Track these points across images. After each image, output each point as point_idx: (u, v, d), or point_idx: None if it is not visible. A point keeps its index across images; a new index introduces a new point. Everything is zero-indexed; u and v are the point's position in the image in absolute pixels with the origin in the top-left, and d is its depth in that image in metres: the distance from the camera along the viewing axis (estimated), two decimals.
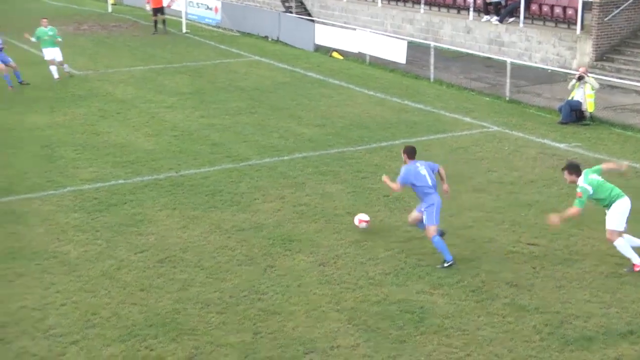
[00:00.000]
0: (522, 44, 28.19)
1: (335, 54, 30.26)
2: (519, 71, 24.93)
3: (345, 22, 34.49)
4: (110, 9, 42.90)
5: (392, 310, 10.84)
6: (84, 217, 14.14)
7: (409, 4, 33.93)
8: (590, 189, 11.65)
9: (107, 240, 13.16)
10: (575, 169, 11.90)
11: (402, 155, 12.46)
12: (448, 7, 32.13)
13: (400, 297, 11.23)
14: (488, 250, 12.80)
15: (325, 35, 31.20)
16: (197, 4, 39.08)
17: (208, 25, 37.84)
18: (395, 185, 12.39)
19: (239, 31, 35.79)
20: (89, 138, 18.89)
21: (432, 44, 27.05)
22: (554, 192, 15.35)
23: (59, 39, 25.29)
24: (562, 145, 18.53)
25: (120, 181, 16.02)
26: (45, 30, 24.88)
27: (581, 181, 11.75)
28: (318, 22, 32.83)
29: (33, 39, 25.15)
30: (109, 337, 10.17)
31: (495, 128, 20.13)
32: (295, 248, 12.89)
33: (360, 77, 26.42)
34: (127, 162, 17.20)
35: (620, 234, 11.83)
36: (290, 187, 15.73)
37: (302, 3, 38.34)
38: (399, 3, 34.45)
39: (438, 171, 12.50)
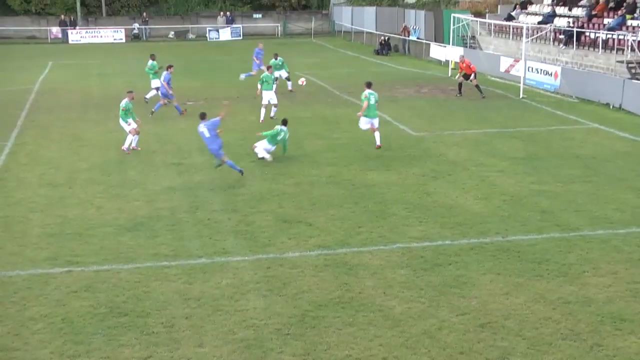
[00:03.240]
0: None
1: None
2: None
3: None
4: (450, 74, 44.14)
5: None
6: (410, 274, 14.52)
7: None
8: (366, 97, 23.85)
9: (430, 299, 13.37)
10: (368, 84, 24.28)
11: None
12: None
13: None
14: None
15: None
16: (537, 69, 38.80)
17: (546, 90, 37.33)
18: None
19: (578, 97, 34.85)
20: (420, 197, 19.45)
21: None
22: None
23: (138, 120, 26.30)
24: None
25: (447, 242, 16.25)
26: (129, 103, 26.07)
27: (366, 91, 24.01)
28: None
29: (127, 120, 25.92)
30: None
31: None
32: (627, 328, 12.07)
33: None
34: (454, 223, 17.41)
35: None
36: (624, 263, 14.83)
37: None
38: None
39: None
